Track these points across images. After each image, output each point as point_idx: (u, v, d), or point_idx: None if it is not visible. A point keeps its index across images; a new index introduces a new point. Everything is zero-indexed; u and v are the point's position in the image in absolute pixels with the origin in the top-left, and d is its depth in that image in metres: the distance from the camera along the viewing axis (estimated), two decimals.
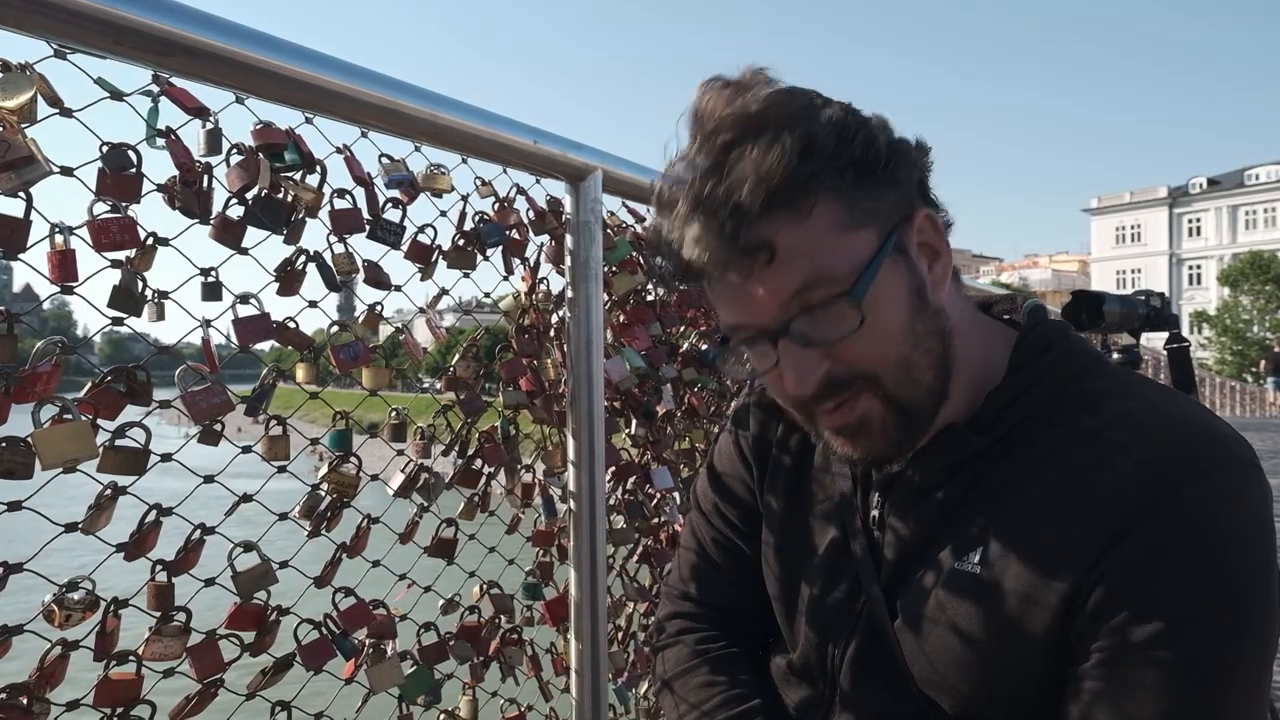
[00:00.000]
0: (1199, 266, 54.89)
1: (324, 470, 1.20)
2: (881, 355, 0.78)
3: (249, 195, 1.07)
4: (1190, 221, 55.56)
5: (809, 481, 0.97)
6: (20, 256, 0.88)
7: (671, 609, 1.09)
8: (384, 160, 1.28)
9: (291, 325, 1.15)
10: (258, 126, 1.09)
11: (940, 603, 0.80)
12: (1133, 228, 57.95)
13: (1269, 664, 0.72)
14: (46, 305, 1.05)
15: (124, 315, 0.97)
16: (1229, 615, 0.69)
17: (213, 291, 1.07)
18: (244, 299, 1.09)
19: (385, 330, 1.33)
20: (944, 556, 0.81)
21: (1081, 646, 0.73)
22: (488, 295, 1.55)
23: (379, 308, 1.29)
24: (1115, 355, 2.05)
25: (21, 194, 0.87)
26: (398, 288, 1.30)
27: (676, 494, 1.85)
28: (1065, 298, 1.96)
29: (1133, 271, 56.70)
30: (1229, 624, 0.69)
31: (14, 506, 0.87)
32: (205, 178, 1.03)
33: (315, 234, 1.17)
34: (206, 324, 1.06)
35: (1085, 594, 0.72)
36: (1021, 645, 0.76)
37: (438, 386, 1.48)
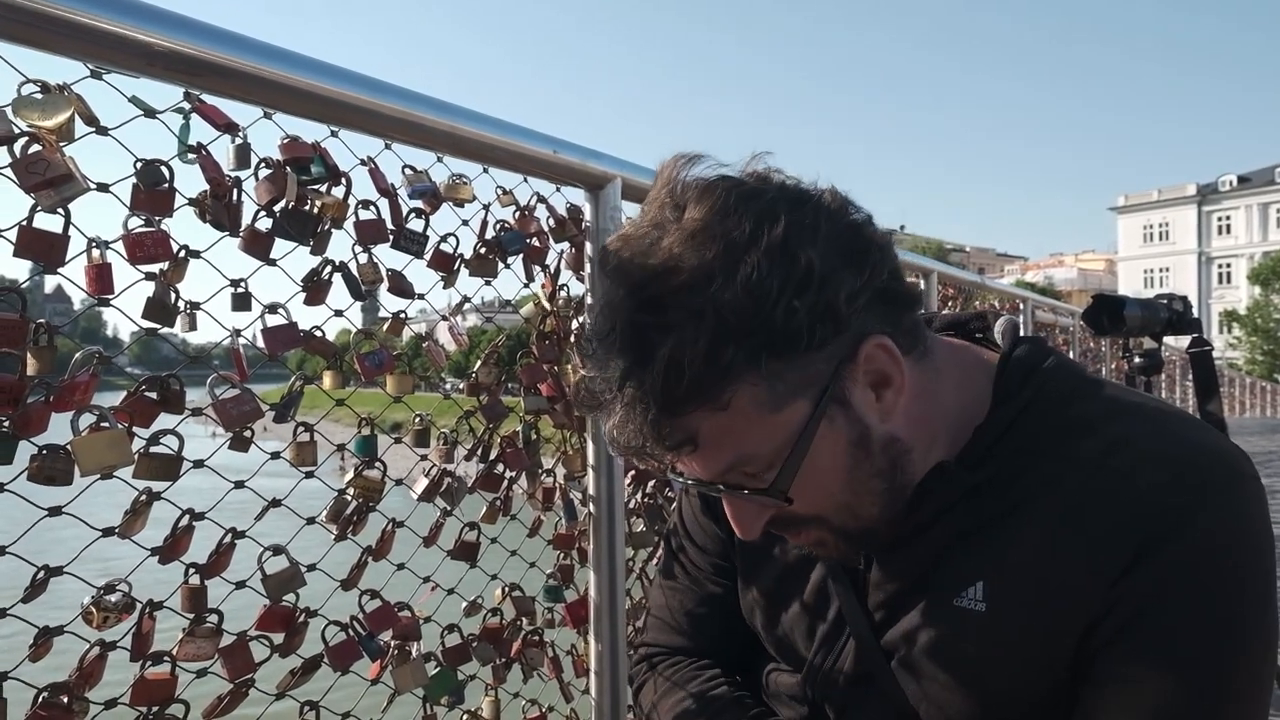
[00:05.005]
0: (1229, 265, 54.10)
1: (350, 475, 1.22)
2: (820, 509, 0.78)
3: (277, 208, 1.10)
4: (1220, 219, 54.77)
5: None
6: (60, 270, 0.91)
7: (646, 651, 1.07)
8: (407, 171, 1.31)
9: (318, 334, 1.18)
10: (285, 141, 1.12)
11: (943, 642, 0.79)
12: (1161, 226, 57.21)
13: (1273, 677, 0.73)
14: (76, 307, 1.08)
15: (158, 326, 1.00)
16: (1236, 637, 0.70)
17: (242, 302, 1.10)
18: (272, 309, 1.12)
19: (408, 334, 1.36)
20: (938, 594, 0.79)
21: (1093, 670, 0.73)
22: (509, 303, 1.58)
23: (403, 315, 1.31)
24: (1137, 359, 2.05)
25: (60, 210, 0.90)
26: (421, 296, 1.33)
27: None
28: (1090, 299, 1.95)
29: (1160, 270, 56.00)
30: (1236, 645, 0.70)
31: (54, 512, 0.90)
32: (235, 191, 1.06)
33: (341, 244, 1.20)
34: (236, 333, 1.09)
35: (1100, 621, 0.72)
36: (1033, 677, 0.76)
37: (459, 387, 1.50)
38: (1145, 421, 0.77)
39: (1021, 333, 0.88)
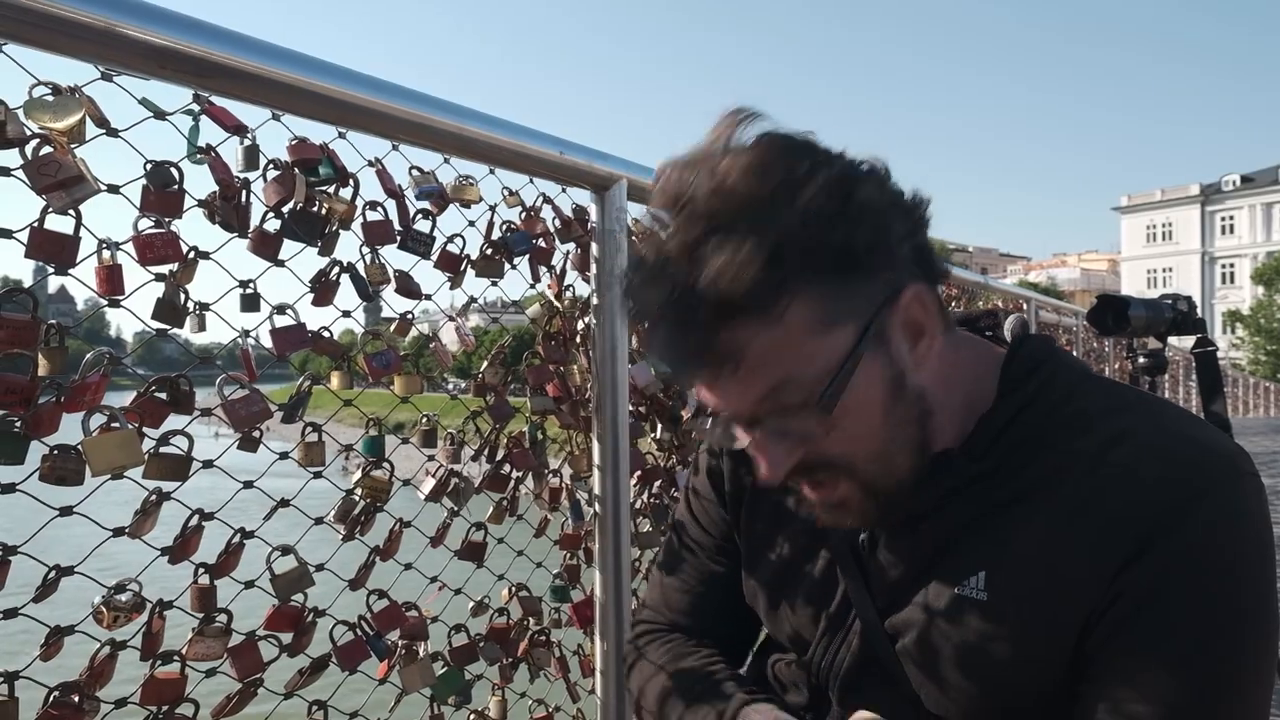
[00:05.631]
0: (1232, 265, 53.93)
1: (356, 475, 1.23)
2: (854, 451, 0.78)
3: (285, 209, 1.11)
4: (1223, 219, 54.61)
5: (793, 503, 0.94)
6: (70, 271, 0.92)
7: (642, 629, 1.07)
8: (414, 172, 1.31)
9: (326, 334, 1.18)
10: (293, 142, 1.12)
11: (945, 629, 0.79)
12: (1164, 226, 57.05)
13: (1273, 673, 0.73)
14: (80, 307, 1.09)
15: (168, 326, 1.01)
16: (1236, 632, 0.71)
17: (251, 302, 1.10)
18: (281, 309, 1.13)
19: (413, 334, 1.37)
20: (943, 581, 0.80)
21: (1094, 664, 0.74)
22: (515, 303, 1.58)
23: (410, 315, 1.32)
24: (1142, 359, 2.05)
25: (71, 211, 0.90)
26: (428, 296, 1.33)
27: None
28: (1093, 299, 1.95)
29: (1164, 270, 55.88)
30: (1235, 641, 0.71)
31: (65, 511, 0.91)
32: (244, 193, 1.07)
33: (348, 245, 1.21)
34: (245, 334, 1.09)
35: (1099, 615, 0.73)
36: (1033, 667, 0.76)
37: (462, 386, 1.51)
38: (1147, 417, 0.78)
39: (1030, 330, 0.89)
